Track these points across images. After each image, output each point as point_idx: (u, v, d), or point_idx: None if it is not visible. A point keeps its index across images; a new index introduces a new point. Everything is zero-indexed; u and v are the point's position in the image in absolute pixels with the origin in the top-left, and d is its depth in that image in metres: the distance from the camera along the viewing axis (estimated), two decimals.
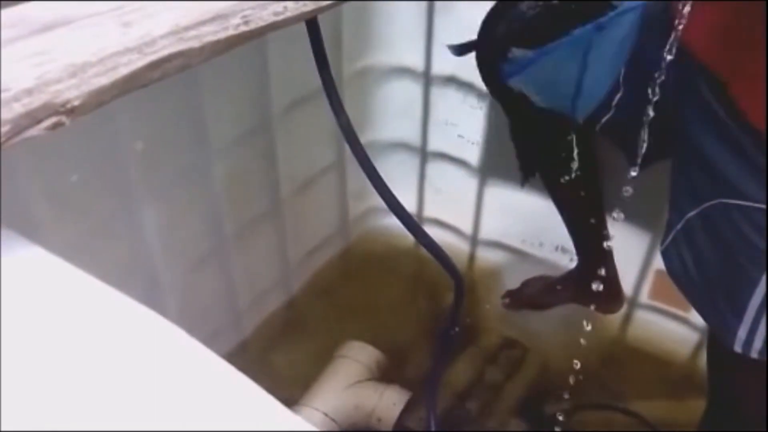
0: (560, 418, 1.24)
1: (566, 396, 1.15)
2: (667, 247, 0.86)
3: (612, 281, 1.23)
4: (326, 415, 1.22)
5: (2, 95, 0.38)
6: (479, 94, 1.41)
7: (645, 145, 0.82)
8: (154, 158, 1.06)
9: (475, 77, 1.39)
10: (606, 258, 1.20)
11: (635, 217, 1.34)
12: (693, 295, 0.85)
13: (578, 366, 1.11)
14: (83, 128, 0.92)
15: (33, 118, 0.40)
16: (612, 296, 1.26)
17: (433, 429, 1.19)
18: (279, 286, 1.52)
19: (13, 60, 0.42)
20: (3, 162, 0.84)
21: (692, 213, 0.80)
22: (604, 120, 0.93)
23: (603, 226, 1.18)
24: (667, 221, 0.86)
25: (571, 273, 1.33)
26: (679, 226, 0.83)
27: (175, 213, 1.15)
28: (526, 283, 1.44)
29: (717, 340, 0.85)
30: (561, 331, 1.41)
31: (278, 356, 1.42)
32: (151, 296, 1.15)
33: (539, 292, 1.41)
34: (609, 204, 1.25)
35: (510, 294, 1.44)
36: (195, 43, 0.48)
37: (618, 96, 0.90)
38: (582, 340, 1.13)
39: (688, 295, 0.86)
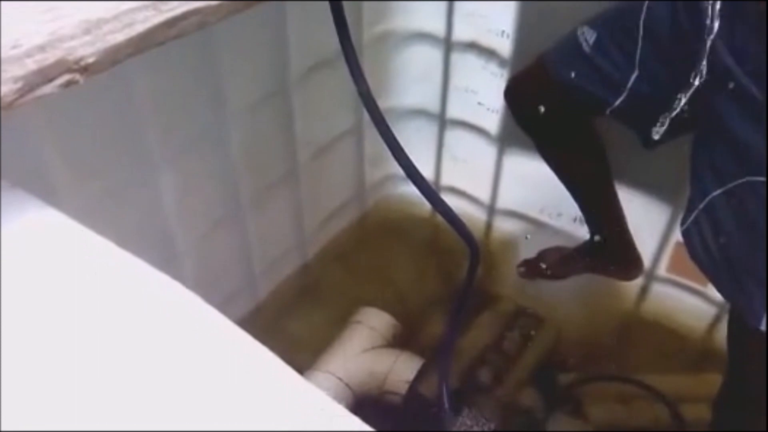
0: (573, 388, 1.24)
1: (580, 367, 1.15)
2: (689, 227, 0.84)
3: (628, 249, 1.22)
4: (340, 380, 1.23)
5: (14, 51, 0.37)
6: (500, 61, 1.38)
7: (667, 124, 0.80)
8: (170, 122, 1.06)
9: (497, 44, 1.37)
10: (620, 228, 1.19)
11: (656, 189, 1.33)
12: (715, 275, 0.84)
13: (593, 337, 1.10)
14: (99, 90, 0.92)
15: (46, 75, 0.39)
16: (629, 264, 1.25)
17: (445, 396, 1.19)
18: (294, 252, 1.52)
19: (25, 15, 0.41)
20: (17, 123, 0.84)
21: (716, 192, 0.79)
22: (617, 103, 0.92)
23: (614, 197, 1.17)
24: (688, 201, 0.85)
25: (586, 244, 1.31)
26: (701, 206, 0.81)
27: (191, 177, 1.15)
28: (542, 253, 1.43)
29: (739, 318, 0.84)
30: (576, 301, 1.40)
31: (293, 321, 1.43)
32: (167, 261, 1.15)
33: (555, 263, 1.40)
34: (628, 177, 1.24)
35: (526, 263, 1.43)
36: (212, 0, 0.47)
37: (633, 77, 0.88)
38: (597, 312, 1.13)
39: (710, 275, 0.85)
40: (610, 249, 1.22)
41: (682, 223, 0.86)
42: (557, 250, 1.41)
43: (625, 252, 1.21)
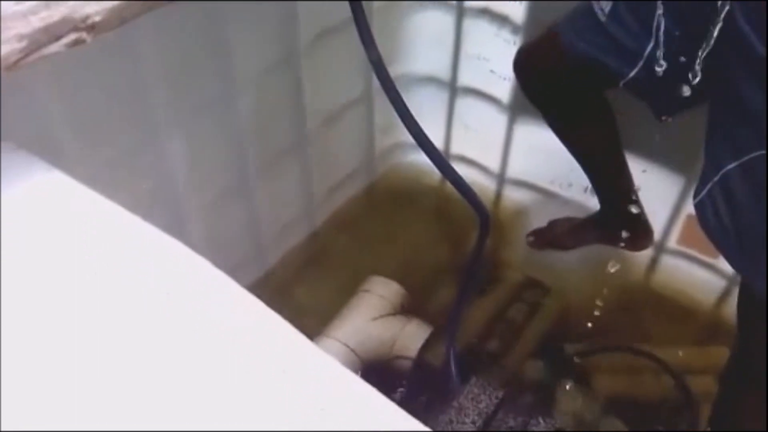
0: (580, 359, 1.24)
1: (587, 337, 1.15)
2: (702, 200, 0.83)
3: (638, 220, 1.21)
4: (348, 347, 1.23)
5: (17, 7, 0.36)
6: (513, 28, 1.36)
7: (681, 97, 0.79)
8: (179, 88, 1.05)
9: (509, 10, 1.35)
10: (630, 200, 1.18)
11: (668, 161, 1.31)
12: (728, 248, 0.83)
13: (600, 308, 1.10)
14: (107, 55, 0.91)
15: (52, 33, 0.38)
16: (639, 235, 1.24)
17: (452, 365, 1.19)
18: (303, 220, 1.52)
19: None
20: (25, 85, 0.83)
21: (731, 165, 0.77)
22: (632, 74, 0.90)
23: (624, 168, 1.15)
24: (701, 174, 0.84)
25: (596, 215, 1.30)
26: (716, 178, 0.80)
27: (200, 144, 1.14)
28: (552, 224, 1.42)
29: (749, 291, 0.83)
30: (585, 272, 1.39)
31: (301, 289, 1.43)
32: (176, 227, 1.15)
33: (565, 233, 1.39)
34: (640, 148, 1.22)
35: (535, 233, 1.42)
36: None
37: (650, 46, 0.86)
38: (606, 283, 1.12)
39: (722, 247, 0.84)
40: (620, 220, 1.21)
41: (695, 196, 0.85)
42: (567, 220, 1.40)
43: (635, 223, 1.20)
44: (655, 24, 0.85)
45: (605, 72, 0.94)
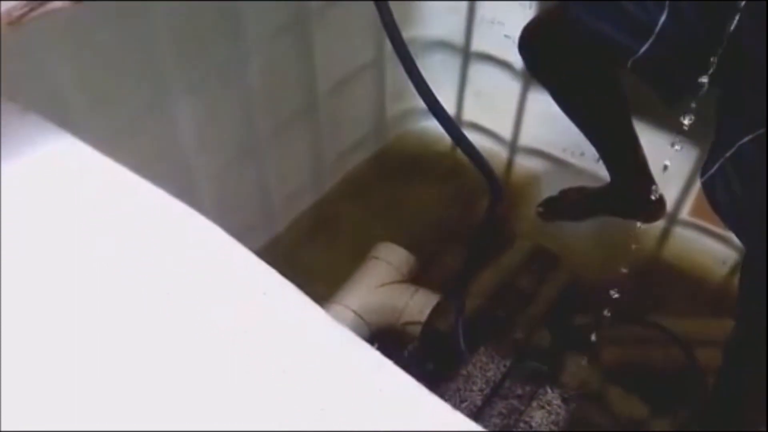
0: (588, 329, 1.24)
1: (596, 308, 1.14)
2: (712, 175, 0.81)
3: (650, 192, 1.19)
4: (356, 313, 1.24)
5: None
6: None
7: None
8: (189, 51, 1.04)
9: None
10: (641, 173, 1.17)
11: (682, 132, 1.29)
12: (739, 222, 0.82)
13: (610, 279, 1.09)
14: (117, 17, 0.90)
15: None
16: (651, 207, 1.23)
17: (460, 332, 1.20)
18: (313, 185, 1.51)
19: None
20: (35, 48, 0.82)
21: (745, 139, 0.76)
22: (642, 50, 0.86)
23: (634, 142, 1.14)
24: (710, 151, 0.82)
25: (607, 187, 1.29)
26: (728, 154, 0.78)
27: (210, 108, 1.13)
28: (563, 193, 1.41)
29: (753, 264, 0.83)
30: (595, 242, 1.39)
31: (309, 254, 1.43)
32: (185, 191, 1.14)
33: (576, 204, 1.38)
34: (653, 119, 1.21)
35: (545, 203, 1.41)
36: None
37: (663, 19, 0.82)
38: (616, 253, 1.11)
39: (733, 222, 0.83)
40: (631, 193, 1.20)
41: (703, 173, 0.83)
42: (578, 191, 1.39)
43: (646, 195, 1.18)
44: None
45: (614, 49, 0.91)
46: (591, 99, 1.10)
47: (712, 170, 0.82)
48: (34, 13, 0.35)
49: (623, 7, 0.87)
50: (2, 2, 0.34)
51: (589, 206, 1.34)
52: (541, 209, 1.40)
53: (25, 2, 0.35)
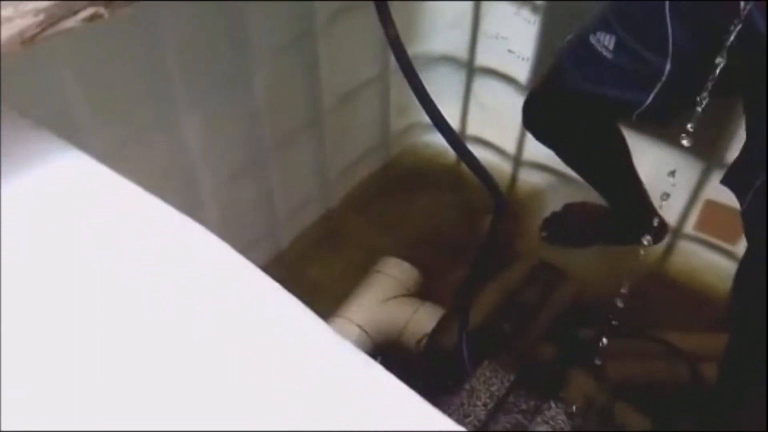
0: (592, 344, 1.23)
1: (600, 323, 1.14)
2: (749, 206, 0.82)
3: (651, 220, 1.20)
4: (360, 327, 1.23)
5: None
6: (533, 7, 1.34)
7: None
8: (195, 64, 1.05)
9: None
10: (641, 203, 1.18)
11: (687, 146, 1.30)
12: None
13: (614, 293, 1.09)
14: (124, 30, 0.91)
15: (69, 8, 0.37)
16: (653, 230, 1.23)
17: (464, 347, 1.19)
18: (318, 199, 1.52)
19: None
20: (42, 61, 0.83)
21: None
22: (649, 100, 0.87)
23: (635, 181, 1.15)
24: (743, 181, 0.82)
25: (609, 214, 1.30)
26: (758, 183, 0.79)
27: (215, 121, 1.14)
28: (567, 208, 1.41)
29: (751, 277, 0.83)
30: (600, 256, 1.38)
31: (314, 268, 1.44)
32: (190, 205, 1.16)
33: (578, 230, 1.38)
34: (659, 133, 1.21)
35: (548, 227, 1.41)
36: None
37: (668, 67, 0.83)
38: (621, 267, 1.11)
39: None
40: (633, 222, 1.21)
41: (741, 205, 0.83)
42: (582, 206, 1.39)
43: (648, 222, 1.19)
44: (670, 42, 0.82)
45: (617, 107, 0.92)
46: (594, 153, 1.12)
47: (747, 202, 0.82)
48: (46, 33, 0.36)
49: (622, 66, 0.87)
50: (17, 22, 0.34)
51: (591, 234, 1.35)
52: (544, 234, 1.40)
53: (38, 22, 0.36)
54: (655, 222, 1.15)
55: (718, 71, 0.73)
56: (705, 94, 0.76)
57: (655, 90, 0.86)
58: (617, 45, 0.87)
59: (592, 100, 0.94)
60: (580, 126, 1.04)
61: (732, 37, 0.70)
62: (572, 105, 0.98)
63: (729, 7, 0.68)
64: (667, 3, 0.80)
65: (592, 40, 0.89)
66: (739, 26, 0.68)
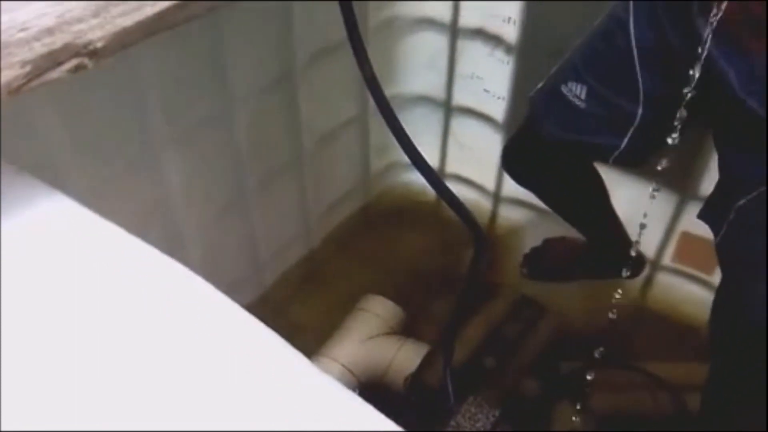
0: (576, 377, 1.24)
1: (583, 355, 1.15)
2: (722, 240, 0.83)
3: (629, 254, 1.22)
4: (344, 366, 1.23)
5: (22, 34, 0.37)
6: (507, 48, 1.37)
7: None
8: (176, 106, 1.06)
9: (503, 30, 1.37)
10: (618, 237, 1.20)
11: (664, 177, 1.32)
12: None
13: (596, 326, 1.10)
14: (106, 73, 0.92)
15: (54, 59, 0.39)
16: (631, 263, 1.25)
17: (449, 383, 1.19)
18: (300, 239, 1.52)
19: None
20: (24, 106, 0.84)
21: (741, 202, 0.78)
22: (624, 144, 0.89)
23: (612, 217, 1.18)
24: (715, 215, 0.84)
25: (586, 250, 1.32)
26: (731, 217, 0.81)
27: (197, 163, 1.15)
28: (546, 244, 1.43)
29: (730, 307, 0.84)
30: (580, 290, 1.40)
31: (297, 308, 1.43)
32: (173, 246, 1.16)
33: (557, 266, 1.39)
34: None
35: (528, 264, 1.42)
36: None
37: (640, 111, 0.85)
38: (601, 300, 1.13)
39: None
40: (610, 256, 1.23)
41: (715, 235, 0.85)
42: (561, 241, 1.41)
43: (625, 255, 1.21)
44: (641, 89, 0.84)
45: (595, 150, 0.94)
46: (572, 194, 1.15)
47: (720, 235, 0.83)
48: (32, 84, 0.37)
49: (595, 114, 0.89)
50: (5, 73, 0.35)
51: (571, 269, 1.36)
52: (525, 270, 1.42)
53: (24, 73, 0.37)
54: (633, 253, 1.17)
55: (684, 113, 0.76)
56: (676, 135, 0.79)
57: (629, 134, 0.88)
58: (589, 94, 0.89)
59: (569, 148, 0.96)
60: (558, 170, 1.07)
61: (695, 81, 0.72)
62: (549, 152, 1.00)
63: (691, 48, 0.71)
64: (635, 50, 0.82)
65: (564, 90, 0.91)
66: (700, 67, 0.71)
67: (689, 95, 0.74)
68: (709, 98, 0.75)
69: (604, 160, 0.95)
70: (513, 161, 1.13)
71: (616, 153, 0.91)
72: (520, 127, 1.08)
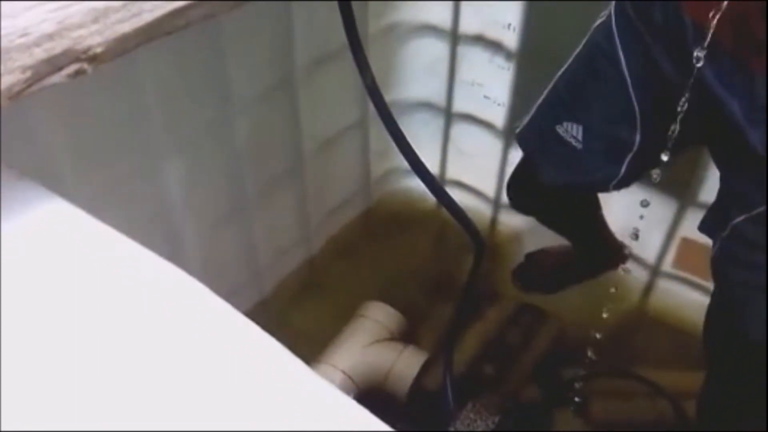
0: (576, 384, 1.24)
1: (583, 362, 1.15)
2: (717, 255, 0.83)
3: (610, 249, 1.23)
4: (344, 373, 1.23)
5: (22, 40, 0.37)
6: (507, 54, 1.38)
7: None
8: (176, 113, 1.06)
9: (503, 36, 1.37)
10: (607, 244, 1.22)
11: (663, 183, 1.32)
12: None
13: (596, 333, 1.10)
14: (105, 80, 0.92)
15: (54, 64, 0.39)
16: (613, 258, 1.25)
17: (449, 390, 1.19)
18: (300, 245, 1.52)
19: (33, 2, 0.41)
20: (26, 113, 0.84)
21: (739, 219, 0.78)
22: (623, 171, 0.88)
23: (608, 234, 1.21)
24: (712, 228, 0.84)
25: (574, 257, 1.33)
26: (725, 234, 0.80)
27: (197, 169, 1.15)
28: (529, 258, 1.43)
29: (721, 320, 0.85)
30: (580, 296, 1.40)
31: (298, 315, 1.43)
32: (173, 252, 1.16)
33: (547, 277, 1.40)
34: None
35: (520, 278, 1.42)
36: None
37: (638, 140, 0.84)
38: (601, 307, 1.13)
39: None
40: (598, 261, 1.26)
41: (713, 251, 0.85)
42: (543, 253, 1.41)
43: (612, 250, 1.22)
44: (638, 114, 0.83)
45: (595, 183, 0.94)
46: (571, 217, 1.18)
47: (715, 249, 0.83)
48: (32, 88, 0.37)
49: (593, 151, 0.88)
50: (5, 78, 0.35)
51: (562, 277, 1.37)
52: (519, 284, 1.42)
53: (25, 78, 0.37)
54: (615, 246, 1.20)
55: (676, 132, 0.75)
56: (668, 155, 0.78)
57: (627, 160, 0.87)
58: (585, 132, 0.87)
59: (569, 187, 0.97)
60: (559, 203, 1.10)
61: (685, 100, 0.72)
62: (550, 191, 1.02)
63: (686, 75, 0.70)
64: (629, 79, 0.81)
65: (560, 131, 0.89)
66: (696, 94, 0.70)
67: (682, 126, 0.74)
68: (707, 123, 0.75)
69: (605, 190, 0.94)
70: (516, 197, 1.16)
71: (615, 181, 0.90)
72: (518, 165, 1.10)
